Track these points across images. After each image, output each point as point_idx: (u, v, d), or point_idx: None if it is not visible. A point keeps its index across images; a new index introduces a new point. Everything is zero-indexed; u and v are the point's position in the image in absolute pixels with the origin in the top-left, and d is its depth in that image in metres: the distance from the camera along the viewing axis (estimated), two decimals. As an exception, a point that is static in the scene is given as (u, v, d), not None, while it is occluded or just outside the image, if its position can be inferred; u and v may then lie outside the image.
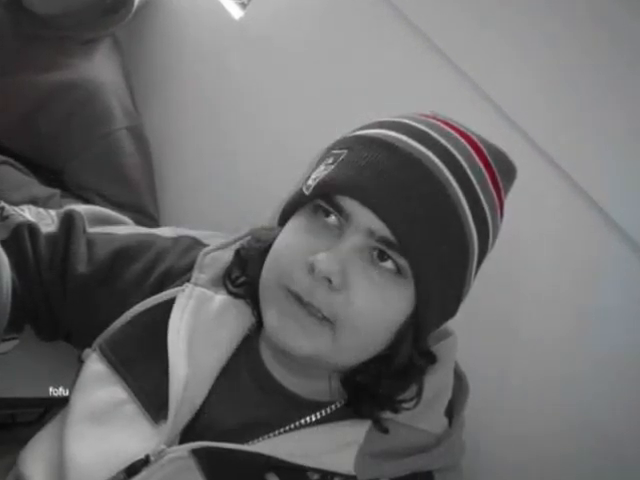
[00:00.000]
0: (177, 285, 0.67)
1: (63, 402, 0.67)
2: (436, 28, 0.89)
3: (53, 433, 0.66)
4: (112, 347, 0.65)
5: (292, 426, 0.61)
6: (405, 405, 0.61)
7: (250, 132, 1.11)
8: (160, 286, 0.68)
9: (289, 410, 0.62)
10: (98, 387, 0.63)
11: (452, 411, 0.65)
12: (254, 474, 0.58)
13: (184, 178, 1.21)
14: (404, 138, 0.58)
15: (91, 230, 0.72)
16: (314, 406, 0.63)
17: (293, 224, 0.61)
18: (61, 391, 0.74)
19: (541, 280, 0.81)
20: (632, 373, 0.74)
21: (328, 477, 0.58)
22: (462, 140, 0.60)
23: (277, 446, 0.59)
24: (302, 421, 0.62)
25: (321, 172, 0.59)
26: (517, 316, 0.83)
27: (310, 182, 0.59)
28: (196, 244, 0.72)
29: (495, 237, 0.63)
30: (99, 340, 0.67)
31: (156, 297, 0.67)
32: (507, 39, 0.83)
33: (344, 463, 0.58)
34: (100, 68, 1.15)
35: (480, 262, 0.62)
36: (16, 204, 0.75)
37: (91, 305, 0.69)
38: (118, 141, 1.12)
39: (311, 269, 0.55)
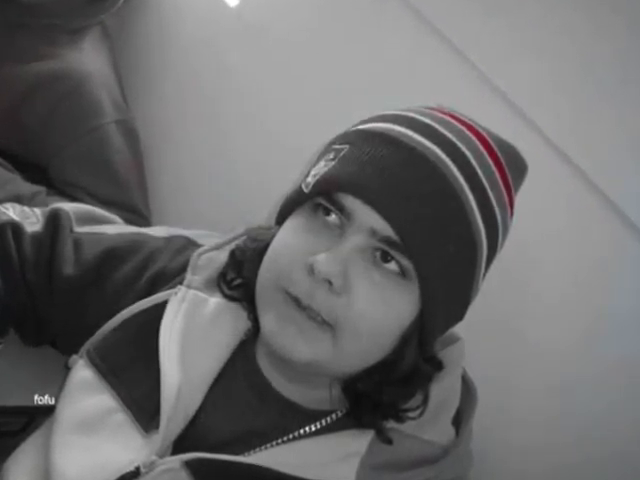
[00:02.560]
0: (169, 287, 0.67)
1: (49, 411, 0.68)
2: (442, 15, 0.89)
3: (38, 444, 0.66)
4: (100, 353, 0.65)
5: (291, 436, 0.61)
6: (410, 414, 0.61)
7: (247, 126, 1.11)
8: (151, 288, 0.68)
9: (287, 419, 0.62)
10: (86, 395, 0.63)
11: (459, 420, 0.65)
12: (250, 487, 0.58)
13: (177, 175, 1.21)
14: (408, 132, 0.58)
15: (78, 229, 0.72)
16: (314, 415, 0.63)
17: (292, 223, 0.61)
18: (47, 399, 0.74)
19: (553, 281, 0.81)
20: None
21: (328, 490, 0.58)
22: (470, 134, 0.60)
23: (275, 457, 0.59)
24: (301, 431, 0.62)
25: (321, 168, 0.59)
26: (525, 318, 0.83)
27: (310, 179, 0.59)
28: (189, 244, 0.72)
29: (505, 237, 0.63)
30: (87, 345, 0.67)
31: (147, 300, 0.67)
32: (517, 26, 0.83)
33: (345, 475, 0.58)
34: (88, 58, 1.15)
35: (489, 263, 0.62)
36: (-1, 202, 0.75)
37: (78, 309, 0.70)
38: (107, 136, 1.12)
39: (311, 270, 0.55)
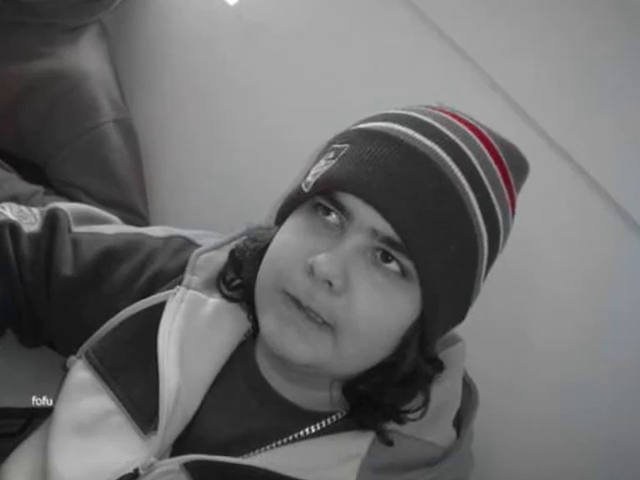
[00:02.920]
0: (168, 288, 0.67)
1: (47, 412, 0.67)
2: (443, 14, 0.89)
3: (36, 446, 0.66)
4: (99, 354, 0.65)
5: (290, 438, 0.61)
6: (410, 416, 0.61)
7: (247, 126, 1.11)
8: (150, 289, 0.68)
9: (287, 421, 0.62)
10: (84, 396, 0.63)
11: (460, 422, 0.65)
12: (250, 489, 0.58)
13: (176, 174, 1.21)
14: (409, 131, 0.58)
15: (76, 229, 0.72)
16: (314, 417, 0.63)
17: (291, 223, 0.61)
18: (45, 401, 0.73)
19: (555, 281, 0.81)
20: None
21: (329, 492, 0.58)
22: (471, 133, 0.60)
23: (274, 459, 0.59)
24: (301, 433, 0.62)
25: (321, 167, 0.59)
26: (528, 319, 0.83)
27: (309, 178, 0.59)
28: (188, 244, 0.72)
29: (506, 237, 0.63)
30: (85, 346, 0.67)
31: (145, 301, 0.66)
32: (518, 24, 0.83)
33: (346, 477, 0.58)
34: (86, 57, 1.15)
35: (490, 263, 0.62)
36: (-4, 202, 0.75)
37: (76, 309, 0.69)
38: (105, 135, 1.12)
39: (311, 271, 0.55)
